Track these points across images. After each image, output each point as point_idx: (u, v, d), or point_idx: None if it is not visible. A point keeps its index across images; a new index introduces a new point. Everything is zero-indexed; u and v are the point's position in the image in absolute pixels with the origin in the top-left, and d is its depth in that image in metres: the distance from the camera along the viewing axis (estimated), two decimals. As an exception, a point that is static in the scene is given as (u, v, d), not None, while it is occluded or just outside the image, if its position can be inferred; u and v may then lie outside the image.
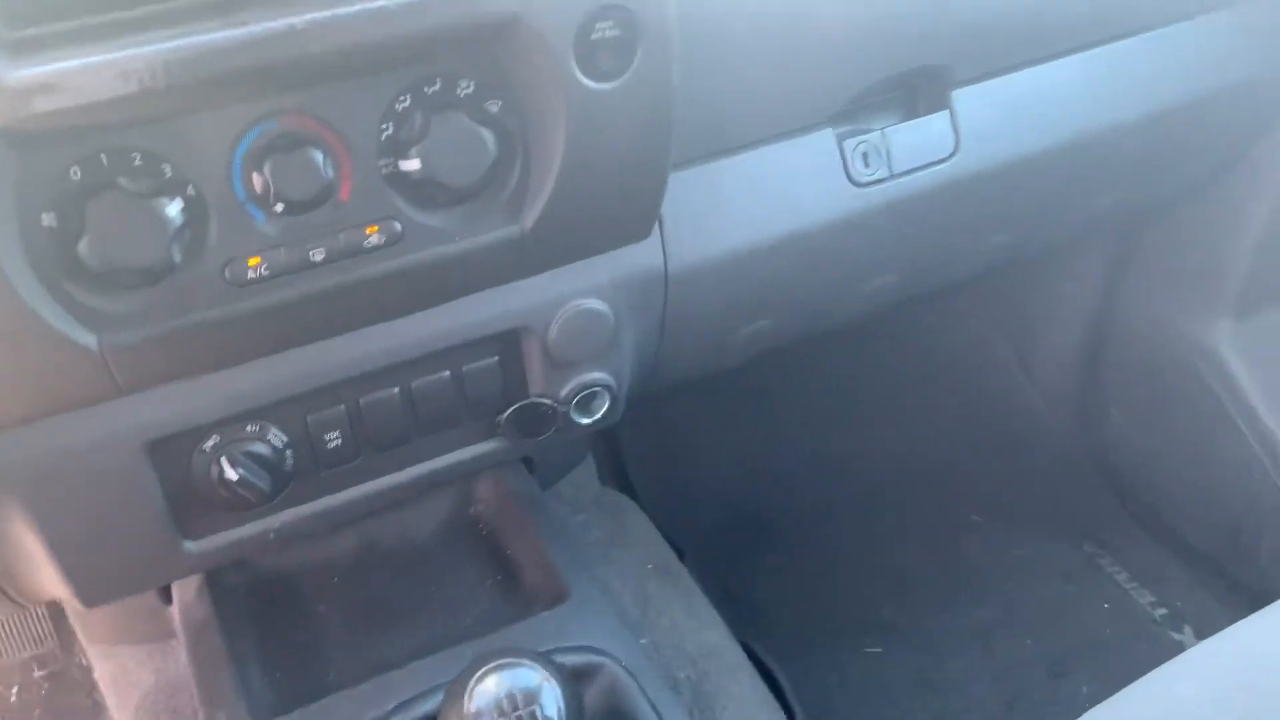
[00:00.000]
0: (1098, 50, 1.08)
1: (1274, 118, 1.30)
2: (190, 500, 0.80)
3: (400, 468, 0.89)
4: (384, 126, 0.70)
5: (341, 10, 0.62)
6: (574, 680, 0.77)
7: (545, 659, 0.77)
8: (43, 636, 1.34)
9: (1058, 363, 1.77)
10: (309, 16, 0.62)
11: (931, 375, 1.85)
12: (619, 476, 1.57)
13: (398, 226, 0.73)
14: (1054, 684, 1.49)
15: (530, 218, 0.77)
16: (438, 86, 0.71)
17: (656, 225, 0.89)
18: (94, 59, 0.58)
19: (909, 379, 1.85)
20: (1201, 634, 1.57)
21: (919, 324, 1.81)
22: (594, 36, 0.71)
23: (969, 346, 1.85)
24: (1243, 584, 1.58)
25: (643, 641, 1.11)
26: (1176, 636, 1.58)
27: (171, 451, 0.77)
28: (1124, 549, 1.69)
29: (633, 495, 1.51)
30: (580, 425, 0.93)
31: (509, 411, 0.88)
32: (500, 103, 0.73)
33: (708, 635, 1.16)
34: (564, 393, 0.90)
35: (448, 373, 0.85)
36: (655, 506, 1.46)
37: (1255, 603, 1.54)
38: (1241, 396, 1.50)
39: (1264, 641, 0.85)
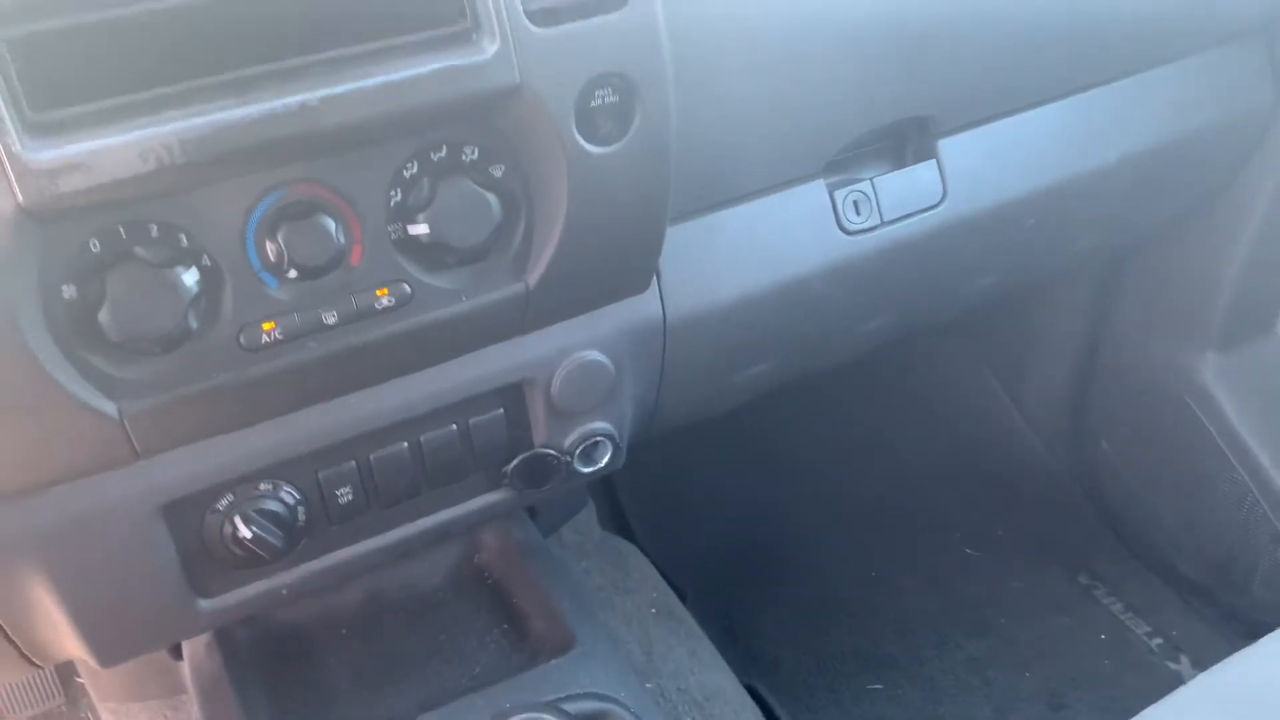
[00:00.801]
0: (1077, 97, 1.12)
1: (1250, 154, 1.33)
2: (204, 559, 0.82)
3: (410, 520, 0.90)
4: (392, 193, 0.73)
5: (349, 86, 0.65)
6: None
7: (556, 709, 0.78)
8: (50, 693, 1.34)
9: (1047, 396, 1.80)
10: (319, 93, 0.64)
11: (923, 410, 1.88)
12: (618, 519, 1.58)
13: (407, 288, 0.75)
14: (1054, 717, 1.50)
15: (534, 276, 0.79)
16: (443, 153, 0.73)
17: (655, 277, 0.91)
18: (114, 140, 0.60)
19: (901, 415, 1.87)
20: (1199, 664, 1.59)
21: (909, 360, 1.84)
22: (593, 103, 0.73)
23: (959, 381, 1.88)
24: (1237, 613, 1.60)
25: (649, 686, 1.12)
26: (1173, 667, 1.60)
27: (186, 512, 0.79)
28: (1118, 580, 1.71)
29: (631, 538, 1.53)
30: (584, 474, 0.95)
31: (515, 463, 0.90)
32: (503, 167, 0.75)
33: (711, 677, 1.17)
34: (567, 443, 0.92)
35: (454, 426, 0.87)
36: (655, 548, 1.47)
37: (1250, 632, 1.56)
38: (1229, 428, 1.52)
39: (1262, 672, 0.87)
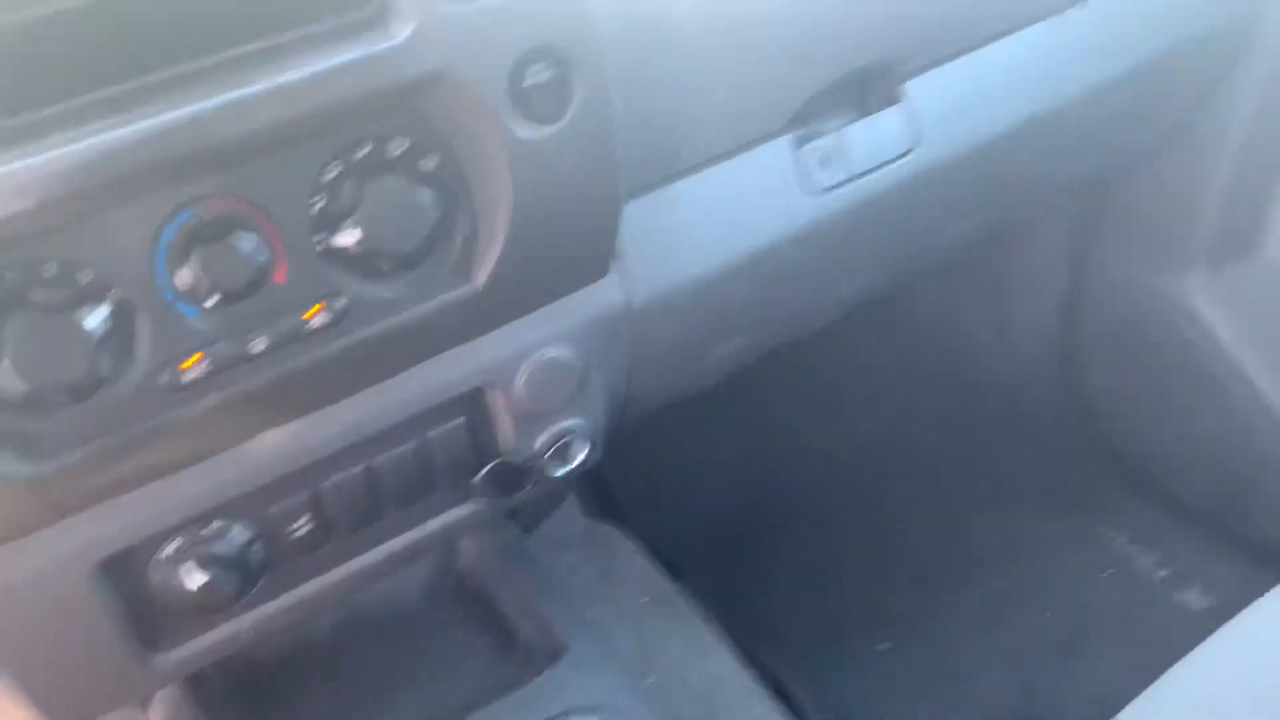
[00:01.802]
0: (1046, 23, 1.05)
1: (1228, 69, 1.27)
2: (152, 611, 0.75)
3: (376, 544, 0.84)
4: (314, 199, 0.66)
5: (248, 90, 0.57)
6: None
7: None
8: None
9: (1034, 330, 1.75)
10: (214, 101, 0.57)
11: (911, 360, 1.82)
12: (605, 503, 1.53)
13: (341, 303, 0.68)
14: (1067, 664, 1.47)
15: (482, 275, 0.72)
16: (367, 150, 0.66)
17: (613, 260, 0.84)
18: None
19: (889, 366, 1.82)
20: (1208, 591, 1.56)
21: (892, 310, 1.78)
22: (526, 83, 0.66)
23: (945, 327, 1.83)
24: (1242, 536, 1.56)
25: (648, 682, 1.07)
26: (1183, 597, 1.57)
27: (127, 565, 0.72)
28: (1120, 512, 1.67)
29: (620, 520, 1.48)
30: (560, 474, 0.89)
31: (483, 473, 0.84)
32: (436, 158, 0.69)
33: (711, 663, 1.13)
34: (538, 445, 0.86)
35: (413, 442, 0.80)
36: (645, 528, 1.42)
37: (1255, 556, 1.52)
38: (1221, 349, 1.48)
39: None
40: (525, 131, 0.68)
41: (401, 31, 0.61)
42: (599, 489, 1.54)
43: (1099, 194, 1.53)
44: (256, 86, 0.58)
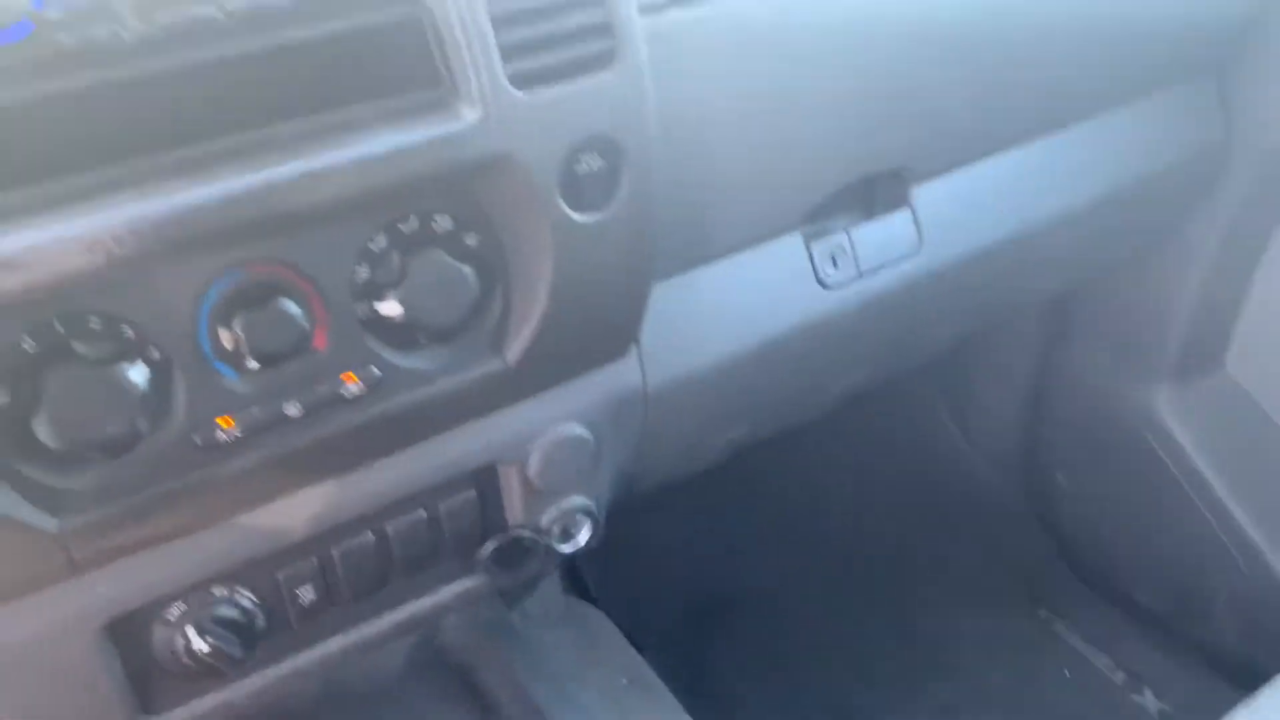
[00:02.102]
0: (1042, 141, 1.10)
1: (1203, 191, 1.33)
2: (152, 673, 0.73)
3: (376, 614, 0.83)
4: (359, 269, 0.66)
5: (320, 163, 0.58)
6: None
7: None
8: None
9: (1000, 430, 1.79)
10: (286, 171, 0.58)
11: (877, 448, 1.85)
12: (572, 577, 1.52)
13: (376, 372, 0.68)
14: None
15: (514, 351, 0.73)
16: (414, 224, 0.67)
17: (634, 341, 0.86)
18: (56, 231, 0.53)
19: (855, 453, 1.84)
20: (1161, 696, 1.58)
21: (862, 400, 1.81)
22: (579, 169, 0.68)
23: (912, 418, 1.86)
24: (1198, 643, 1.59)
25: None
26: (1138, 699, 1.59)
27: (132, 626, 0.71)
28: (1078, 613, 1.69)
29: (587, 595, 1.47)
30: (562, 554, 0.88)
31: (490, 549, 0.84)
32: (478, 235, 0.70)
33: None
34: (545, 521, 0.86)
35: (423, 512, 0.80)
36: (612, 604, 1.41)
37: (1212, 662, 1.55)
38: (1185, 460, 1.52)
39: None
40: (571, 216, 0.69)
41: (469, 115, 0.62)
42: (568, 568, 1.53)
43: (1068, 299, 1.59)
44: (326, 161, 0.58)
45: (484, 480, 0.82)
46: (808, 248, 0.96)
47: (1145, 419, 1.55)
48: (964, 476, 1.84)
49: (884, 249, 1.00)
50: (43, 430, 0.58)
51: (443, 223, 0.68)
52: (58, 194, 0.53)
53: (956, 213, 1.05)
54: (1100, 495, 1.68)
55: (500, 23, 0.62)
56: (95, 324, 0.59)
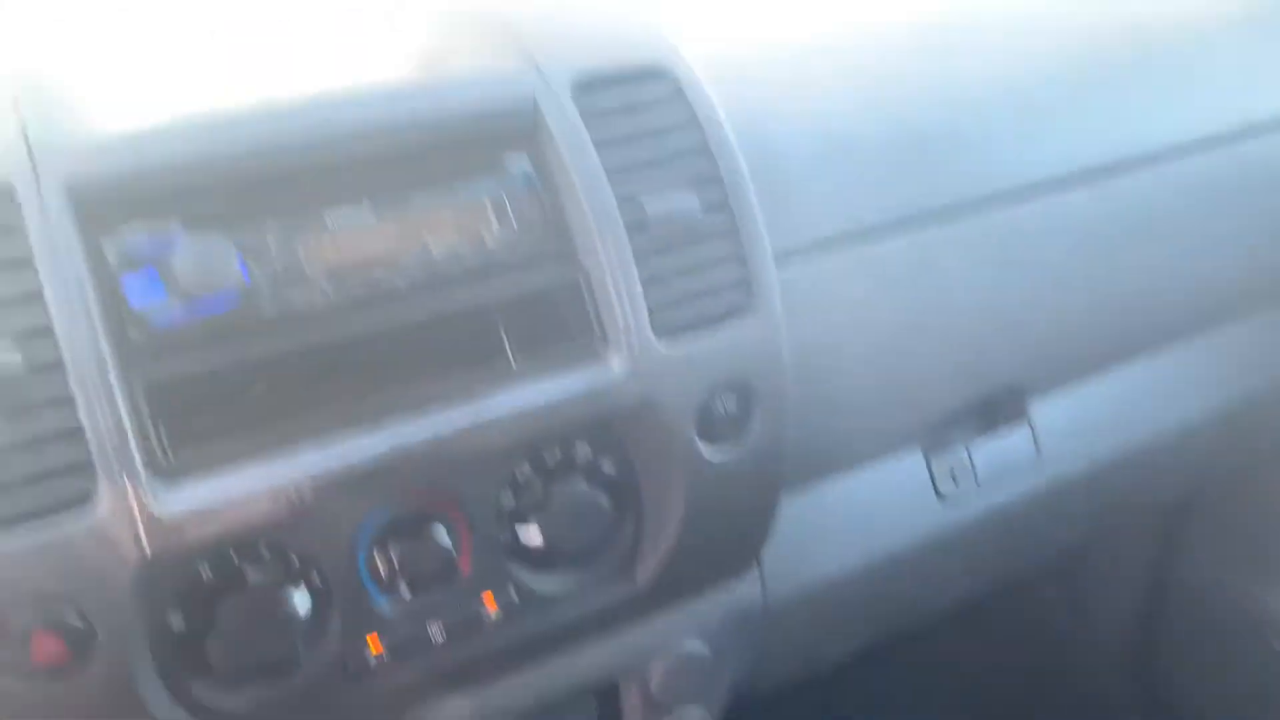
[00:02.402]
0: (1161, 354, 1.10)
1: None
2: None
3: None
4: (504, 496, 0.70)
5: (484, 415, 0.63)
6: None
7: None
8: None
9: (1115, 625, 1.73)
10: (453, 421, 0.62)
11: (993, 648, 1.80)
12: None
13: (514, 597, 0.71)
14: None
15: (645, 576, 0.76)
16: (557, 455, 0.71)
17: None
18: (245, 483, 0.58)
19: (971, 652, 1.79)
20: None
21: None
22: (714, 409, 0.71)
23: (1024, 602, 1.81)
24: None
25: None
26: None
27: None
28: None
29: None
30: (677, 763, 0.89)
31: (607, 761, 0.85)
32: (614, 463, 0.73)
33: None
34: (662, 731, 0.87)
35: None
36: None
37: None
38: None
39: None
40: (705, 453, 0.72)
41: (618, 366, 0.66)
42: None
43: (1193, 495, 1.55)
44: (489, 413, 0.63)
45: (605, 694, 0.84)
46: (927, 461, 0.97)
47: (1269, 622, 1.49)
48: (1077, 666, 1.77)
49: (1002, 463, 1.01)
50: (214, 652, 0.62)
51: (582, 451, 0.72)
52: (248, 449, 0.59)
53: (1075, 426, 1.05)
54: (1219, 696, 1.60)
55: (649, 283, 0.67)
56: (265, 553, 0.63)
